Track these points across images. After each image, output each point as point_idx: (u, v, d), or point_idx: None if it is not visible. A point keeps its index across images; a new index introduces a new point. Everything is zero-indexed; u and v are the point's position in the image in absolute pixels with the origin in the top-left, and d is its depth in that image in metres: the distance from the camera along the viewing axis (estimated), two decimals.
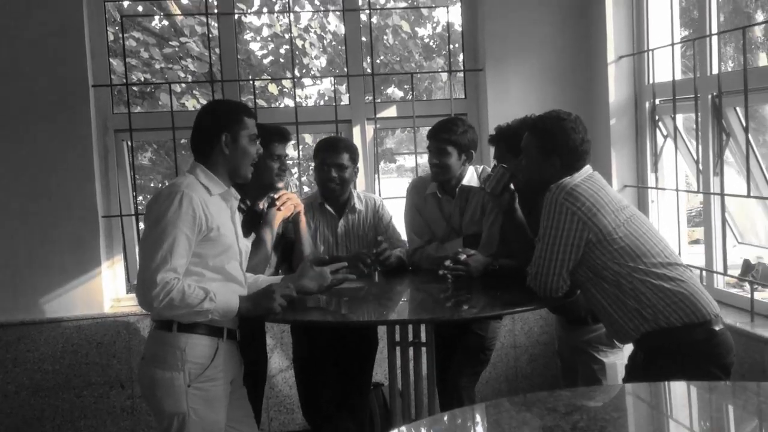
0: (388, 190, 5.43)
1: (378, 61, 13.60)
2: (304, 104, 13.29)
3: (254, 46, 12.75)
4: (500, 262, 3.63)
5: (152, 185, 12.09)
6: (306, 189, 7.31)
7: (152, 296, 2.81)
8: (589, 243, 2.97)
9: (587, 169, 3.17)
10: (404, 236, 4.19)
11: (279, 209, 3.61)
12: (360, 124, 5.06)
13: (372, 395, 4.33)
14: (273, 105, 11.45)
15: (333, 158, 3.96)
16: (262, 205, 3.70)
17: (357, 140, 5.05)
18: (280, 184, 3.69)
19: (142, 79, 11.80)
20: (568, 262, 3.01)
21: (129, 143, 4.86)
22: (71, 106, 4.59)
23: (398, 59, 13.59)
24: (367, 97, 5.10)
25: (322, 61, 12.85)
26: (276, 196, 3.63)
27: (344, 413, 4.09)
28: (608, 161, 4.84)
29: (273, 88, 11.20)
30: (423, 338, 3.46)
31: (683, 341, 2.89)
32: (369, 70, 5.10)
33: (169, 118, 4.77)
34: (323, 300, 3.36)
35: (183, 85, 10.98)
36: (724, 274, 4.10)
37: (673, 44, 4.39)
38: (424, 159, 4.34)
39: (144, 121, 5.02)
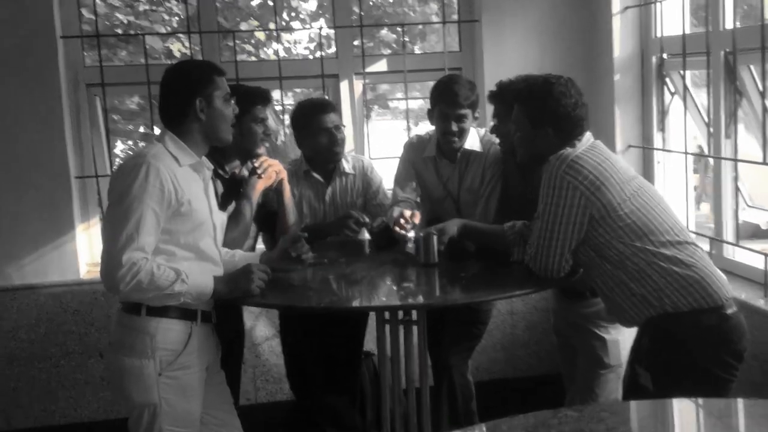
0: (381, 139, 5.10)
1: (371, 3, 13.22)
2: (293, 50, 12.99)
3: None
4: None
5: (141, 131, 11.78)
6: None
7: (118, 278, 2.58)
8: (592, 220, 2.72)
9: (588, 137, 2.91)
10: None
11: (260, 177, 3.35)
12: (348, 78, 4.77)
13: (363, 365, 4.14)
14: (261, 50, 11.11)
15: (333, 120, 3.74)
16: (243, 172, 3.43)
17: (345, 96, 4.77)
18: (261, 150, 3.42)
19: (125, 21, 11.43)
20: (570, 241, 2.77)
21: (102, 98, 4.56)
22: (38, 58, 4.28)
23: (390, 1, 13.18)
24: (355, 42, 4.79)
25: (312, 5, 12.45)
26: (256, 164, 3.37)
27: (332, 387, 3.91)
28: (612, 119, 4.56)
29: (261, 34, 10.80)
30: (414, 316, 3.24)
31: (691, 327, 2.66)
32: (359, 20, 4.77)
33: (144, 72, 4.47)
34: (309, 277, 3.13)
35: (167, 28, 10.59)
36: (735, 244, 3.86)
37: None
38: (414, 105, 4.06)
39: (118, 75, 4.72)
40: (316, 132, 3.71)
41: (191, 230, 2.75)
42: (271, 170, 3.38)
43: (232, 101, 2.89)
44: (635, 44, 4.49)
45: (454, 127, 3.60)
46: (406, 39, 4.98)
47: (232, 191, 3.35)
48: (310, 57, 8.06)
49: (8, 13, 4.22)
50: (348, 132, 4.74)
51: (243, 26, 11.84)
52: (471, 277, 3.22)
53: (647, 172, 4.53)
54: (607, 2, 4.50)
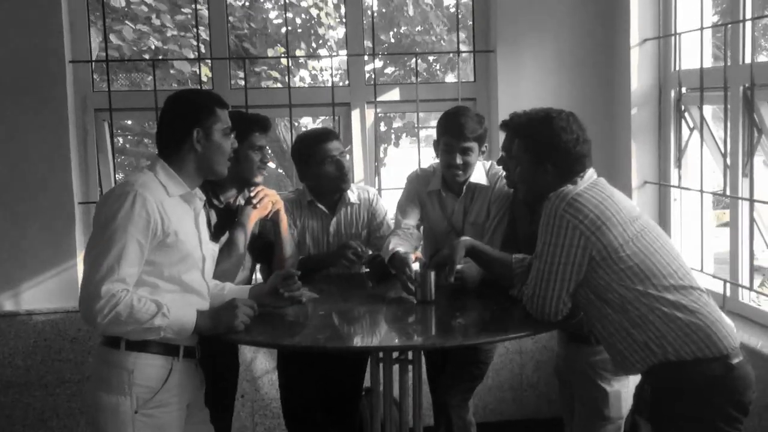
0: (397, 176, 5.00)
1: (401, 31, 13.17)
2: (319, 77, 12.94)
3: (272, 14, 12.39)
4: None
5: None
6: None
7: (96, 310, 2.48)
8: (592, 261, 2.58)
9: (591, 174, 2.78)
10: None
11: (255, 207, 3.26)
12: (360, 107, 4.68)
13: (363, 401, 4.01)
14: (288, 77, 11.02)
15: (337, 147, 3.64)
16: (239, 202, 3.34)
17: (356, 124, 4.68)
18: (259, 178, 3.33)
19: (153, 47, 11.50)
20: (569, 282, 2.63)
21: (109, 123, 4.52)
22: (47, 83, 4.25)
23: (418, 30, 13.13)
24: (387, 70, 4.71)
25: (339, 32, 12.42)
26: (252, 194, 3.28)
27: (331, 425, 3.78)
28: (628, 155, 4.43)
29: (285, 60, 10.77)
30: (410, 356, 3.11)
31: (694, 377, 2.50)
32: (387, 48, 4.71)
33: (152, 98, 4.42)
34: (303, 313, 3.03)
35: (196, 52, 10.61)
36: (750, 288, 3.70)
37: (702, 28, 3.95)
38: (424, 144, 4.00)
39: (126, 100, 4.67)
40: (321, 161, 3.60)
41: (177, 262, 2.66)
42: (267, 200, 3.28)
43: (232, 135, 2.81)
44: (653, 77, 4.37)
45: (459, 160, 3.50)
46: (420, 68, 4.89)
47: (226, 221, 3.25)
48: (322, 85, 7.98)
49: (18, 37, 4.19)
50: (359, 161, 4.68)
51: (270, 53, 11.90)
52: (468, 318, 3.09)
53: (663, 209, 4.39)
54: (625, 34, 4.39)
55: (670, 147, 4.34)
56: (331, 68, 4.96)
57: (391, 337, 2.96)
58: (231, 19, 12.46)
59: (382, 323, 3.11)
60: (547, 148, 2.75)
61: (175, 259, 2.65)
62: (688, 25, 4.15)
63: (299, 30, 12.08)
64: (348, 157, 3.71)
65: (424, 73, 12.08)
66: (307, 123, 12.54)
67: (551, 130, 2.74)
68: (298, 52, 11.62)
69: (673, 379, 2.52)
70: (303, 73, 12.40)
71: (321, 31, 11.67)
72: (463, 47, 4.96)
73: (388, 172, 11.59)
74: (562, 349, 3.38)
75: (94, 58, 4.58)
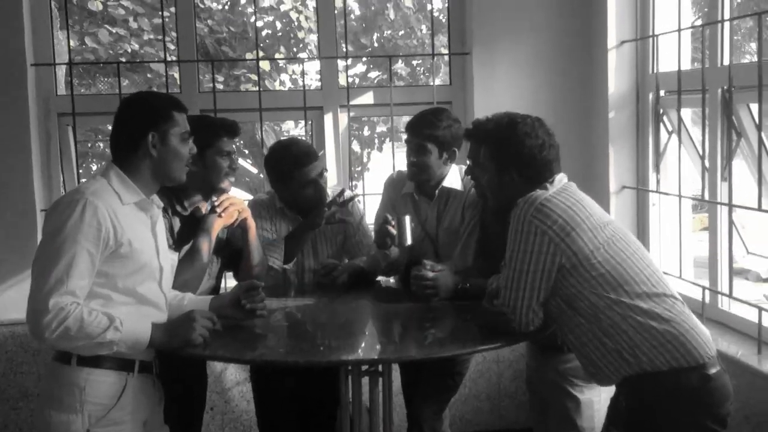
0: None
1: (385, 35, 13.06)
2: (299, 81, 12.71)
3: (252, 18, 12.25)
4: (471, 281, 3.15)
5: None
6: None
7: (43, 325, 2.36)
8: (562, 269, 2.48)
9: (561, 178, 2.69)
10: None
11: (220, 216, 3.13)
12: (333, 111, 4.57)
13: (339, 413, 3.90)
14: (266, 80, 10.96)
15: (317, 169, 3.52)
16: (204, 209, 3.22)
17: (329, 129, 4.57)
18: (225, 184, 3.21)
19: (129, 50, 11.36)
20: (538, 291, 2.53)
21: (73, 128, 4.39)
22: (7, 86, 4.13)
23: (401, 34, 13.02)
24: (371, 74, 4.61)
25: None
26: (217, 202, 3.16)
27: None
28: (606, 159, 4.34)
29: (265, 65, 10.67)
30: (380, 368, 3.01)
31: (670, 388, 2.41)
32: (372, 48, 4.60)
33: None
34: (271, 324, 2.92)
35: (172, 57, 10.47)
36: (729, 296, 3.61)
37: (680, 30, 3.86)
38: (400, 152, 3.89)
39: (90, 105, 4.55)
40: (300, 185, 3.49)
41: (131, 273, 2.53)
42: (232, 209, 3.15)
43: (190, 141, 2.70)
44: (631, 80, 4.28)
45: (412, 158, 3.41)
46: (404, 72, 4.81)
47: (190, 229, 3.13)
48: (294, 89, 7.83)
49: None
50: (331, 165, 4.57)
51: (249, 56, 11.78)
52: (440, 329, 2.98)
53: (642, 214, 4.31)
54: (602, 36, 4.30)
55: (649, 151, 4.25)
56: (302, 71, 4.82)
57: (358, 350, 2.83)
58: (210, 22, 12.38)
59: (351, 335, 2.99)
60: (511, 155, 2.67)
61: (130, 269, 2.53)
62: (667, 26, 4.07)
63: (279, 34, 11.98)
64: (326, 173, 3.59)
65: (408, 78, 11.98)
66: (289, 128, 12.43)
67: (515, 137, 2.66)
68: (277, 56, 11.51)
69: (649, 390, 2.43)
70: (284, 77, 12.28)
71: (301, 35, 11.55)
72: (444, 50, 4.85)
73: (372, 177, 11.48)
74: (532, 360, 3.29)
75: (70, 62, 4.42)
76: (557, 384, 3.08)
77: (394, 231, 3.31)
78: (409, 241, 3.29)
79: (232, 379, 4.39)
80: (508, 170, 2.68)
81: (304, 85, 4.58)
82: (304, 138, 5.06)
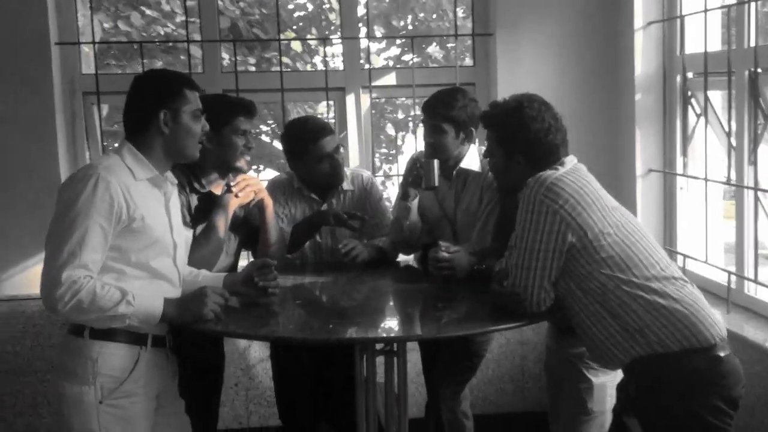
0: None
1: (419, 18, 12.99)
2: (331, 63, 12.72)
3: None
4: (488, 262, 3.13)
5: None
6: None
7: (56, 297, 2.39)
8: (572, 248, 2.46)
9: (570, 159, 2.67)
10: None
11: (236, 195, 3.14)
12: (354, 92, 4.56)
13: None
14: (298, 62, 10.97)
15: (333, 143, 3.51)
16: (221, 188, 3.23)
17: (351, 110, 4.56)
18: (241, 163, 3.21)
19: (162, 33, 11.42)
20: (550, 270, 2.50)
21: (98, 106, 4.43)
22: (32, 65, 4.16)
23: (434, 17, 12.93)
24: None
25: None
26: (234, 182, 3.17)
27: (325, 416, 3.67)
28: (632, 142, 4.28)
29: (297, 46, 10.68)
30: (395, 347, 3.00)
31: (681, 369, 2.39)
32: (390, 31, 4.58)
33: None
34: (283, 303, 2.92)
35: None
36: (755, 281, 3.54)
37: (706, 10, 3.78)
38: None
39: (116, 83, 4.57)
40: (316, 159, 3.48)
41: (144, 248, 2.56)
42: (248, 190, 3.16)
43: (203, 118, 2.71)
44: (658, 62, 4.20)
45: (428, 138, 3.40)
46: (438, 55, 4.77)
47: (206, 207, 3.15)
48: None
49: (1, 19, 4.10)
50: (354, 147, 4.56)
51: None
52: (456, 308, 2.96)
53: (669, 198, 4.24)
54: (629, 17, 4.23)
55: (676, 134, 4.18)
56: (325, 53, 4.83)
57: (370, 328, 2.83)
58: (242, 4, 12.41)
59: (365, 314, 2.99)
60: (516, 139, 2.67)
61: (143, 244, 2.55)
62: (695, 7, 3.99)
63: (310, 15, 11.96)
64: (342, 150, 3.58)
65: (443, 61, 11.90)
66: (324, 111, 12.41)
67: (520, 121, 2.64)
68: (302, 37, 11.50)
69: (659, 371, 2.41)
70: (317, 59, 12.28)
71: (332, 17, 11.52)
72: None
73: (406, 160, 11.34)
74: (552, 342, 3.27)
75: (93, 41, 4.45)
76: (573, 365, 3.06)
77: (422, 172, 3.33)
78: (436, 182, 3.31)
79: (255, 356, 4.42)
80: (514, 154, 2.68)
81: (326, 66, 4.58)
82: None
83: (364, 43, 4.72)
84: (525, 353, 4.58)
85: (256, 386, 4.46)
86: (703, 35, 3.82)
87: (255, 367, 4.45)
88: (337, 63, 10.16)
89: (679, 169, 4.15)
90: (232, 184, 3.16)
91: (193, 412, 2.89)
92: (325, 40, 5.35)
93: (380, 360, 2.90)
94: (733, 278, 3.63)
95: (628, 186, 4.31)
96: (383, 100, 11.77)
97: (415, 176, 3.37)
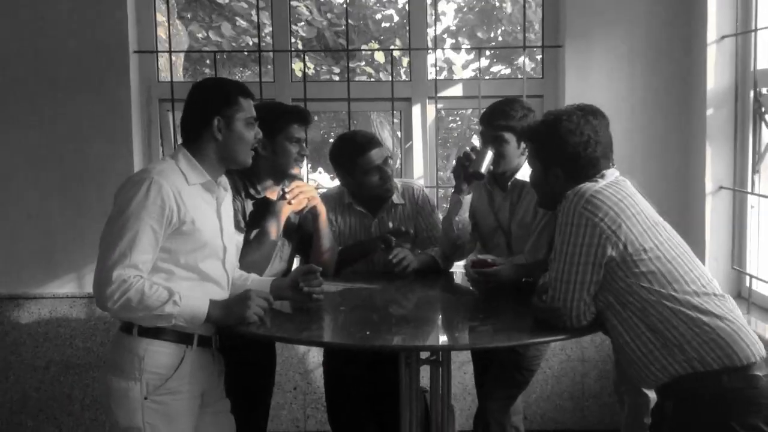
0: None
1: (507, 30, 12.93)
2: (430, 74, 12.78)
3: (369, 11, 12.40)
4: (536, 275, 3.11)
5: None
6: None
7: (107, 295, 2.50)
8: (611, 261, 2.43)
9: (612, 173, 2.62)
10: None
11: (290, 203, 3.21)
12: (421, 102, 4.59)
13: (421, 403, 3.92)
14: (381, 72, 11.07)
15: (381, 156, 3.53)
16: (276, 195, 3.31)
17: (417, 120, 4.60)
18: (296, 171, 3.29)
19: (251, 43, 11.70)
20: (589, 284, 2.47)
21: (173, 114, 4.59)
22: (111, 73, 4.34)
23: (519, 29, 12.84)
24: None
25: (437, 28, 12.20)
26: (288, 189, 3.24)
27: (375, 423, 3.70)
28: (702, 158, 4.17)
29: (380, 57, 10.80)
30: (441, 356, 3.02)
31: (720, 388, 2.34)
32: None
33: None
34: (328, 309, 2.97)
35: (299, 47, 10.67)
36: None
37: None
38: None
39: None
40: (364, 172, 3.52)
41: (193, 250, 2.64)
42: (302, 197, 3.22)
43: (256, 126, 2.79)
44: (731, 76, 4.09)
45: (491, 149, 3.38)
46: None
47: (260, 213, 3.22)
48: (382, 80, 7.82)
49: (82, 27, 4.30)
50: (419, 158, 4.59)
51: (364, 47, 11.93)
52: (501, 320, 2.94)
53: (739, 216, 4.12)
54: (702, 30, 4.13)
55: (748, 151, 4.06)
56: (392, 62, 4.88)
57: (414, 337, 2.85)
58: (329, 15, 12.61)
59: (407, 322, 3.01)
60: (555, 153, 2.64)
61: (192, 246, 2.64)
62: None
63: (394, 26, 12.07)
64: (391, 162, 3.61)
65: (532, 72, 11.82)
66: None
67: (557, 134, 2.62)
68: (373, 48, 11.62)
69: (697, 390, 2.36)
70: (401, 70, 12.38)
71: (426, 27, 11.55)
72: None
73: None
74: (615, 360, 3.22)
75: (170, 50, 4.61)
76: (633, 381, 3.00)
77: (473, 156, 3.33)
78: (483, 169, 3.29)
79: (314, 361, 4.49)
80: (552, 168, 2.66)
81: (392, 76, 4.63)
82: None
83: (448, 54, 4.76)
84: (586, 371, 4.51)
85: (314, 391, 4.53)
86: None
87: (313, 372, 4.52)
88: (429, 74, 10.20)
89: (751, 187, 4.03)
90: (286, 190, 3.23)
91: (239, 413, 2.96)
92: (392, 51, 5.38)
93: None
94: None
95: (698, 203, 4.20)
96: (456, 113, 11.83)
97: (462, 161, 3.36)
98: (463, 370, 4.47)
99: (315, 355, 4.49)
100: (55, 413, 4.48)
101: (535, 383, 4.46)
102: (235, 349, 2.95)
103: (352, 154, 3.51)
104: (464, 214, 3.42)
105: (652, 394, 2.99)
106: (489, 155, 3.30)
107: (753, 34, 3.95)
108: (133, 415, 2.57)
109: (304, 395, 4.54)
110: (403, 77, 12.00)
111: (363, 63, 11.64)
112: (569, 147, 2.59)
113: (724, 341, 2.34)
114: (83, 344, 4.45)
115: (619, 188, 2.53)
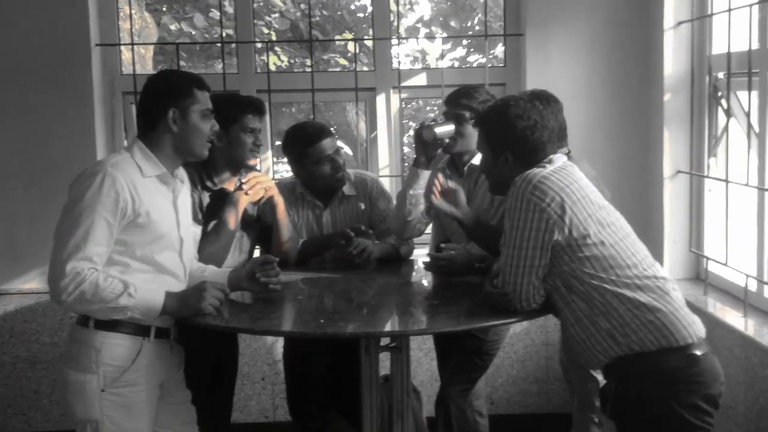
0: None
1: (484, 18, 12.92)
2: (394, 63, 12.70)
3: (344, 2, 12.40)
4: (490, 260, 3.15)
5: None
6: None
7: (61, 287, 2.52)
8: (557, 245, 2.48)
9: (560, 158, 2.67)
10: None
11: (246, 193, 3.23)
12: (385, 92, 4.62)
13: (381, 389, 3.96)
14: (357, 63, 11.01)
15: (332, 146, 3.55)
16: (233, 187, 3.33)
17: (381, 111, 4.63)
18: (253, 162, 3.31)
19: (224, 34, 11.60)
20: (538, 267, 2.52)
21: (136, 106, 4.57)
22: (72, 66, 4.33)
23: (491, 18, 12.83)
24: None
25: (410, 19, 12.31)
26: (245, 180, 3.26)
27: (335, 411, 3.74)
28: (660, 143, 4.23)
29: (352, 47, 10.77)
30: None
31: (658, 368, 2.40)
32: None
33: None
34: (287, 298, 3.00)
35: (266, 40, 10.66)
36: None
37: (730, 9, 3.72)
38: None
39: None
40: (316, 161, 3.52)
41: (149, 242, 2.66)
42: (258, 187, 3.23)
43: (212, 117, 2.80)
44: (687, 62, 4.14)
45: None
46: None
47: (217, 204, 3.24)
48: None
49: (43, 20, 4.29)
50: (383, 148, 4.62)
51: (338, 38, 11.93)
52: (447, 306, 2.96)
53: (697, 200, 4.18)
54: (659, 16, 4.18)
55: (705, 135, 4.12)
56: (356, 53, 4.90)
57: (370, 324, 2.89)
58: (303, 6, 12.58)
59: (367, 309, 3.05)
60: (502, 137, 2.68)
61: (148, 239, 2.65)
62: (725, 6, 3.92)
63: (368, 17, 12.04)
64: (342, 152, 3.62)
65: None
66: None
67: (505, 118, 2.66)
68: (342, 37, 11.64)
69: (636, 371, 2.42)
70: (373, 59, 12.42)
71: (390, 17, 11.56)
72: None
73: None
74: (563, 339, 3.28)
75: (132, 42, 4.61)
76: (580, 365, 3.06)
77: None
78: (438, 133, 3.33)
79: (281, 351, 4.49)
80: (501, 152, 2.69)
81: (356, 66, 4.64)
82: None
83: (423, 43, 4.78)
84: (550, 354, 4.57)
85: (282, 381, 4.51)
86: (732, 35, 3.76)
87: (281, 363, 4.52)
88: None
89: (708, 171, 4.09)
90: (243, 180, 3.25)
91: (200, 404, 2.99)
92: (356, 41, 5.41)
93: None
94: (753, 281, 3.57)
95: (656, 187, 4.27)
96: (421, 103, 11.85)
97: (420, 131, 3.38)
98: (430, 356, 4.50)
99: (282, 346, 4.52)
100: (23, 409, 4.48)
101: (500, 367, 4.52)
102: (192, 339, 2.97)
103: (303, 144, 3.52)
104: (419, 189, 3.43)
105: (600, 377, 3.03)
106: (448, 127, 3.35)
107: (708, 19, 4.01)
108: (91, 407, 2.60)
109: (272, 386, 4.57)
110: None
111: (337, 55, 11.66)
112: (517, 131, 2.63)
113: (661, 322, 2.40)
114: (50, 339, 4.45)
115: (567, 173, 2.57)
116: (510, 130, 2.64)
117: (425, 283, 3.27)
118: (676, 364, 2.38)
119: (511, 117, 2.64)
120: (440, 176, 3.22)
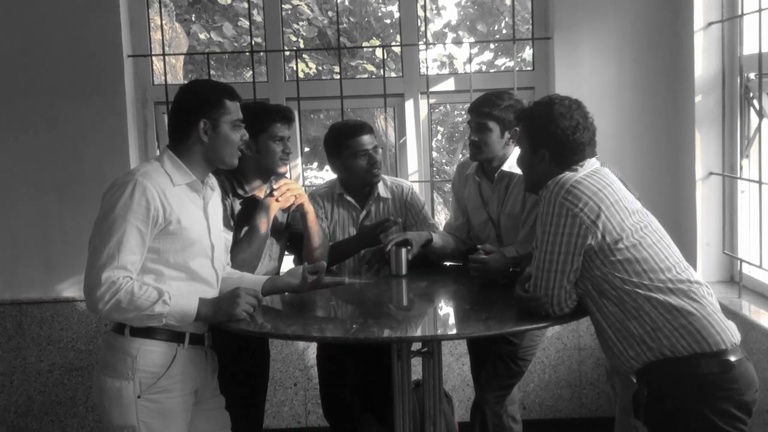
0: None
1: (507, 21, 12.95)
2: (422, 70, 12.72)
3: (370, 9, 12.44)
4: (524, 265, 3.14)
5: None
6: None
7: (97, 297, 2.55)
8: (589, 250, 2.47)
9: (593, 162, 2.66)
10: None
11: (277, 200, 3.26)
12: (413, 98, 4.63)
13: (413, 394, 3.97)
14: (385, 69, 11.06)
15: (371, 142, 3.61)
16: (263, 194, 3.36)
17: (410, 116, 4.64)
18: (283, 169, 3.34)
19: (253, 44, 11.68)
20: (569, 272, 2.52)
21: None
22: (105, 77, 4.40)
23: (518, 21, 12.81)
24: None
25: (437, 24, 12.33)
26: (275, 186, 3.29)
27: (370, 416, 3.76)
28: (692, 145, 4.20)
29: (380, 53, 10.79)
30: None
31: (691, 374, 2.38)
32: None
33: None
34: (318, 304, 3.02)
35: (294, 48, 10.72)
36: None
37: (760, 10, 3.69)
38: None
39: None
40: (353, 154, 3.58)
41: (181, 249, 2.69)
42: (288, 194, 3.27)
43: (242, 127, 2.83)
44: (718, 63, 4.11)
45: (473, 136, 3.46)
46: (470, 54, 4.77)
47: (248, 211, 3.28)
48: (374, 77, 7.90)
49: (76, 32, 4.35)
50: (412, 153, 4.63)
51: (365, 44, 11.96)
52: (480, 311, 2.97)
53: (730, 201, 4.14)
54: (689, 17, 4.15)
55: (737, 136, 4.08)
56: (383, 59, 4.91)
57: (402, 329, 2.89)
58: (330, 14, 12.64)
59: (400, 314, 3.06)
60: (543, 134, 2.67)
61: (180, 246, 2.68)
62: (755, 6, 3.88)
63: (395, 23, 12.08)
64: (380, 151, 3.66)
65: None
66: None
67: (549, 116, 2.66)
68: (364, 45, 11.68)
69: (668, 376, 2.40)
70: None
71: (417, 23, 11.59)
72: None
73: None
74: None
75: (164, 53, 4.66)
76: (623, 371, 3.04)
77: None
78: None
79: (313, 356, 4.51)
80: (540, 149, 2.69)
81: (384, 73, 4.65)
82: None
83: (450, 48, 4.79)
84: (582, 359, 4.55)
85: (314, 387, 4.57)
86: (764, 35, 3.72)
87: (313, 368, 4.56)
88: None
89: (740, 172, 4.05)
90: (274, 187, 3.28)
91: (235, 409, 3.02)
92: (383, 48, 5.43)
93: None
94: None
95: (688, 189, 4.23)
96: (448, 107, 11.82)
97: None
98: (461, 361, 4.51)
99: (314, 351, 4.53)
100: (59, 416, 4.55)
101: (533, 372, 4.51)
102: (225, 346, 3.00)
103: (343, 136, 3.59)
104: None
105: None
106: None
107: (739, 19, 3.97)
108: (128, 413, 2.62)
109: (304, 391, 4.59)
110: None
111: (365, 62, 11.69)
112: (559, 129, 2.63)
113: (694, 327, 2.38)
114: (85, 347, 4.52)
115: (599, 177, 2.57)
116: (552, 128, 2.64)
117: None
118: (708, 370, 2.35)
119: (555, 114, 2.64)
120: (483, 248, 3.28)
